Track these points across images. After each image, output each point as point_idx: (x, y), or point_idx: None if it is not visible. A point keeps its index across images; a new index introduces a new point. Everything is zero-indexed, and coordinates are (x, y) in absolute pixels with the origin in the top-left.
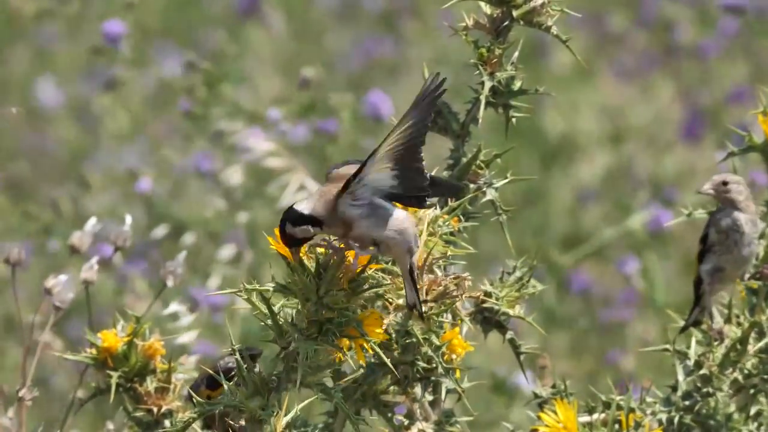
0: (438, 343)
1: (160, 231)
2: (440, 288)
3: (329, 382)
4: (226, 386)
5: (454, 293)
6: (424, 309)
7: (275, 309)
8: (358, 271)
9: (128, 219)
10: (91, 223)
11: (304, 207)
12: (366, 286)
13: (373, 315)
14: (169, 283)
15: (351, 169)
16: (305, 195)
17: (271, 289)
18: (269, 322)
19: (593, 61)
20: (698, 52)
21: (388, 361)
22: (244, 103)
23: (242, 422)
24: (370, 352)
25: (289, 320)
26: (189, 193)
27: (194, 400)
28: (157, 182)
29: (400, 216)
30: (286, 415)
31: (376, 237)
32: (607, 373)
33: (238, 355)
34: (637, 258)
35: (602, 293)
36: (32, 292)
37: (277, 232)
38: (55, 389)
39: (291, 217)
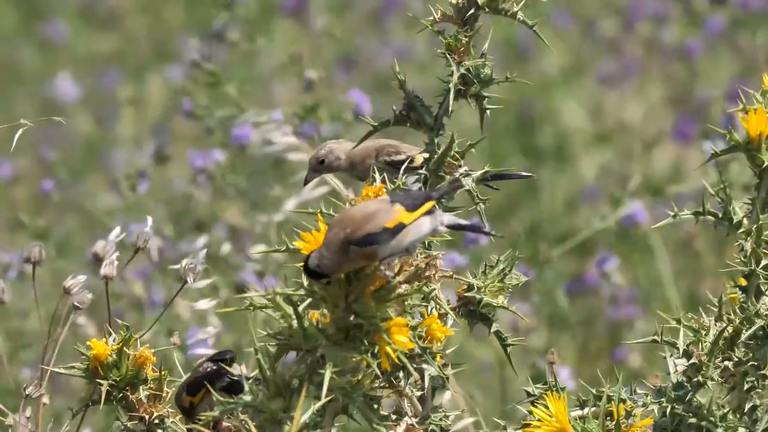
0: (413, 323)
1: (201, 241)
2: (412, 269)
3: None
4: (247, 391)
5: (426, 273)
6: (399, 291)
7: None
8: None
9: (149, 220)
10: (115, 233)
11: (314, 262)
12: (394, 295)
13: (398, 323)
14: (189, 280)
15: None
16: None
17: (300, 293)
18: (294, 324)
19: (581, 63)
20: (684, 51)
21: (411, 368)
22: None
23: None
24: (396, 361)
25: (315, 324)
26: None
27: (216, 399)
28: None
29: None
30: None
31: (400, 251)
32: (612, 370)
33: (259, 355)
34: (618, 255)
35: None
36: (48, 289)
37: (302, 234)
38: (67, 386)
39: (310, 274)
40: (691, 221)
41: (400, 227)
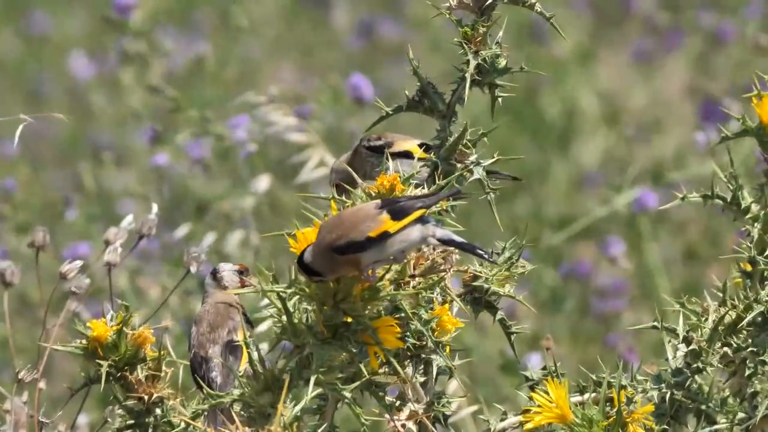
0: (427, 317)
1: (181, 231)
2: (428, 262)
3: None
4: (237, 385)
5: (442, 267)
6: (412, 284)
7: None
8: (378, 280)
9: (154, 207)
10: (128, 220)
11: (308, 258)
12: (382, 294)
13: (387, 322)
14: (192, 269)
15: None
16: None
17: (290, 291)
18: (284, 319)
19: (598, 44)
20: (717, 35)
21: (401, 370)
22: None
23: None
24: (384, 359)
25: (305, 320)
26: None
27: (204, 392)
28: (174, 162)
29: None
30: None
31: (385, 258)
32: (606, 356)
33: (250, 349)
34: (623, 241)
35: (596, 277)
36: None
37: (297, 233)
38: (64, 370)
39: (303, 269)
40: (698, 204)
41: (385, 236)
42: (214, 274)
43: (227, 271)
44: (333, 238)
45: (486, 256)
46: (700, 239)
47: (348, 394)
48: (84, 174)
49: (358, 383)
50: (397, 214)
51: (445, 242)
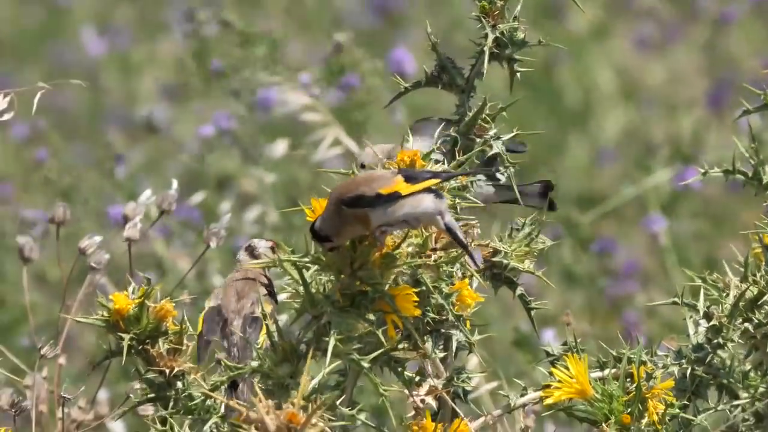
0: (448, 291)
1: (197, 197)
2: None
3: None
4: (255, 356)
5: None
6: (433, 257)
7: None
8: (392, 247)
9: (174, 183)
10: (146, 195)
11: (318, 224)
12: (399, 262)
13: (404, 290)
14: (213, 244)
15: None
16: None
17: (306, 260)
18: (301, 290)
19: (611, 23)
20: (720, 18)
21: (419, 339)
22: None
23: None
24: (401, 328)
25: (322, 290)
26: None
27: (223, 364)
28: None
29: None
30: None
31: (395, 220)
32: (624, 332)
33: (266, 321)
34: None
35: (623, 254)
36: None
37: (313, 202)
38: (82, 347)
39: (314, 236)
40: (719, 180)
41: (395, 196)
42: (251, 251)
43: (263, 247)
44: (342, 192)
45: (479, 264)
46: (718, 217)
47: (366, 365)
48: (115, 143)
49: (376, 353)
50: (411, 179)
51: (450, 232)
